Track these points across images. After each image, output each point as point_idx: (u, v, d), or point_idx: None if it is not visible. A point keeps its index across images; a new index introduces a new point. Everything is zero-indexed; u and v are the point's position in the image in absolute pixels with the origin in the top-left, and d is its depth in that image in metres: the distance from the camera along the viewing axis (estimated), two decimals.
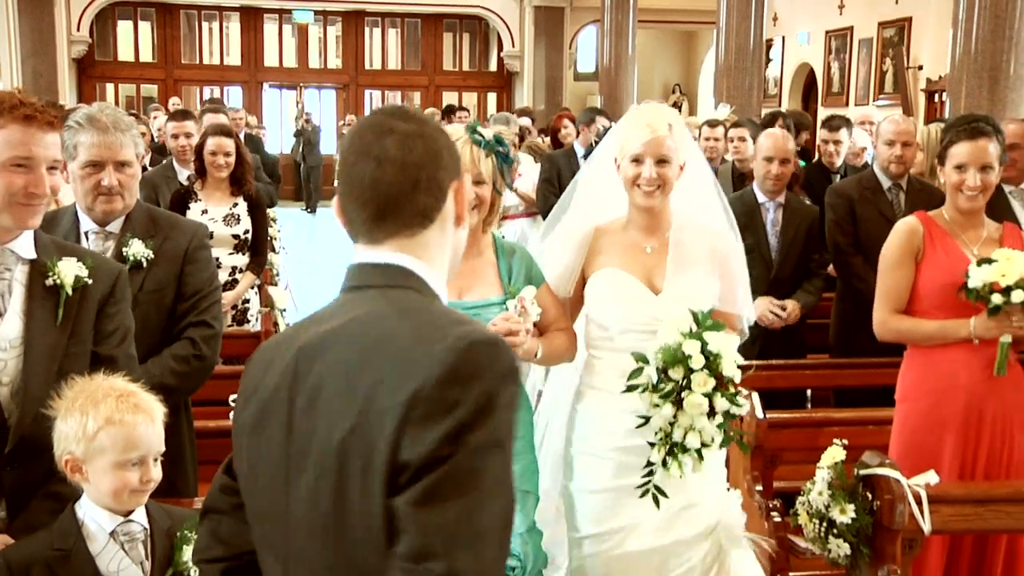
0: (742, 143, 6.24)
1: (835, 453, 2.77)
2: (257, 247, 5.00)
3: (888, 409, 3.37)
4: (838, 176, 5.77)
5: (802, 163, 6.06)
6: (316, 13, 18.67)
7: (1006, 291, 2.92)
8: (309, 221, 16.94)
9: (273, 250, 6.14)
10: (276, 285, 5.85)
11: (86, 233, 2.85)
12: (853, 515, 2.66)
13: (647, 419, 2.52)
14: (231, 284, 4.86)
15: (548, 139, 9.11)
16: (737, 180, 5.96)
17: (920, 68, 13.04)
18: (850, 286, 4.44)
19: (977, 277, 2.96)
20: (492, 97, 19.55)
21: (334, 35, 19.50)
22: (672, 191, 2.82)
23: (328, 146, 17.98)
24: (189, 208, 4.82)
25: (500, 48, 18.87)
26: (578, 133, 7.38)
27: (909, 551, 2.72)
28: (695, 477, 2.57)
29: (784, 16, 16.11)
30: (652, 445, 2.53)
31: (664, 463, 2.51)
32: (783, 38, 16.39)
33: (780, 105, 15.08)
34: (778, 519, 3.06)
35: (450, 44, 19.73)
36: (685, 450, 2.48)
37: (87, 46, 17.13)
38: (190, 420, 2.97)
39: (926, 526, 2.68)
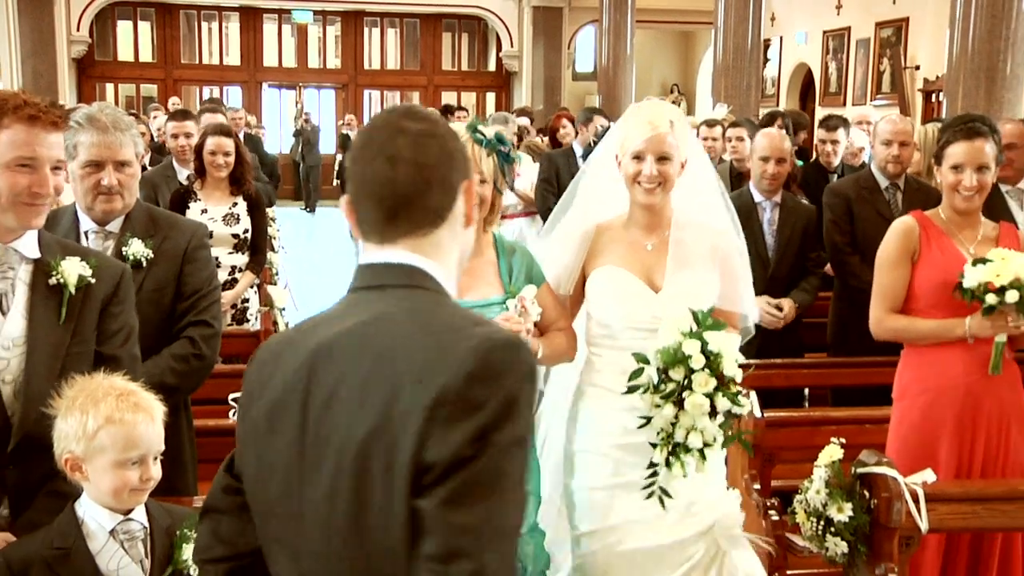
0: (740, 143, 6.24)
1: (832, 452, 2.78)
2: (256, 246, 5.00)
3: (885, 408, 3.37)
4: (835, 176, 5.77)
5: (800, 163, 6.07)
6: (315, 13, 18.68)
7: (1000, 291, 2.92)
8: (308, 220, 16.95)
9: (272, 249, 6.14)
10: (275, 284, 5.85)
11: (85, 233, 2.86)
12: (850, 513, 2.67)
13: (649, 419, 2.52)
14: (230, 283, 4.87)
15: (547, 139, 9.12)
16: (735, 180, 5.96)
17: (917, 68, 13.06)
18: (847, 285, 4.45)
19: (972, 277, 2.97)
20: (491, 97, 19.56)
21: (333, 35, 19.51)
22: (673, 188, 2.81)
23: (327, 146, 17.99)
24: (189, 208, 4.83)
25: (499, 48, 18.88)
26: (577, 133, 7.39)
27: (906, 549, 2.73)
28: (695, 477, 2.58)
29: (782, 16, 16.12)
30: (654, 446, 2.52)
31: (667, 463, 2.50)
32: (781, 38, 16.40)
33: (778, 105, 15.10)
34: (776, 517, 3.06)
35: (449, 44, 19.73)
36: (687, 450, 2.48)
37: (87, 46, 17.13)
38: (190, 419, 2.97)
39: (923, 524, 2.69)
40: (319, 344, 1.40)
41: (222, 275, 4.71)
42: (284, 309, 5.16)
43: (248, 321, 5.02)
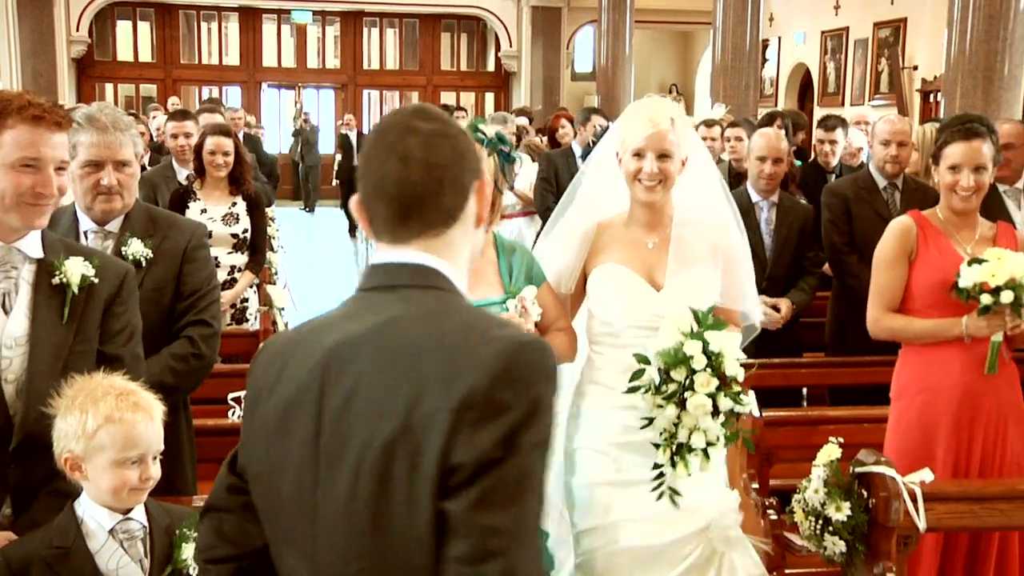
0: (739, 143, 6.25)
1: (831, 451, 2.78)
2: (256, 246, 5.01)
3: (883, 407, 3.38)
4: (833, 176, 5.78)
5: (798, 163, 6.08)
6: (314, 13, 18.67)
7: (995, 291, 2.93)
8: (307, 220, 16.96)
9: (272, 249, 6.15)
10: (275, 284, 5.86)
11: (85, 232, 2.86)
12: (849, 513, 2.68)
13: (651, 420, 2.51)
14: (230, 283, 4.87)
15: (545, 139, 9.13)
16: (733, 180, 5.96)
17: (915, 68, 13.07)
18: (845, 285, 4.45)
19: (968, 277, 2.98)
20: (490, 97, 19.56)
21: (332, 35, 19.50)
22: (674, 186, 2.80)
23: (326, 146, 17.99)
24: (188, 207, 4.83)
25: (498, 48, 18.88)
26: (575, 133, 7.39)
27: (904, 548, 2.73)
28: (694, 476, 2.58)
29: (780, 16, 16.13)
30: (657, 447, 2.52)
31: (672, 463, 2.49)
32: (779, 38, 16.41)
33: (776, 105, 15.12)
34: (774, 517, 3.06)
35: (448, 44, 19.73)
36: (691, 450, 2.47)
37: (86, 46, 17.12)
38: (189, 418, 2.98)
39: (921, 523, 2.69)
40: (335, 344, 1.40)
41: (221, 275, 4.71)
42: (283, 309, 5.16)
43: (247, 321, 5.03)
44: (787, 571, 3.08)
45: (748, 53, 10.90)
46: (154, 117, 10.01)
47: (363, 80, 19.31)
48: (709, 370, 2.44)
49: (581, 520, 2.82)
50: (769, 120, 6.89)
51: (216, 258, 3.75)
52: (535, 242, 3.60)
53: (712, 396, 2.44)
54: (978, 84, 6.78)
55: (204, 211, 4.86)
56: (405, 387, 1.31)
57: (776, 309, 4.37)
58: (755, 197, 4.58)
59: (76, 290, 2.26)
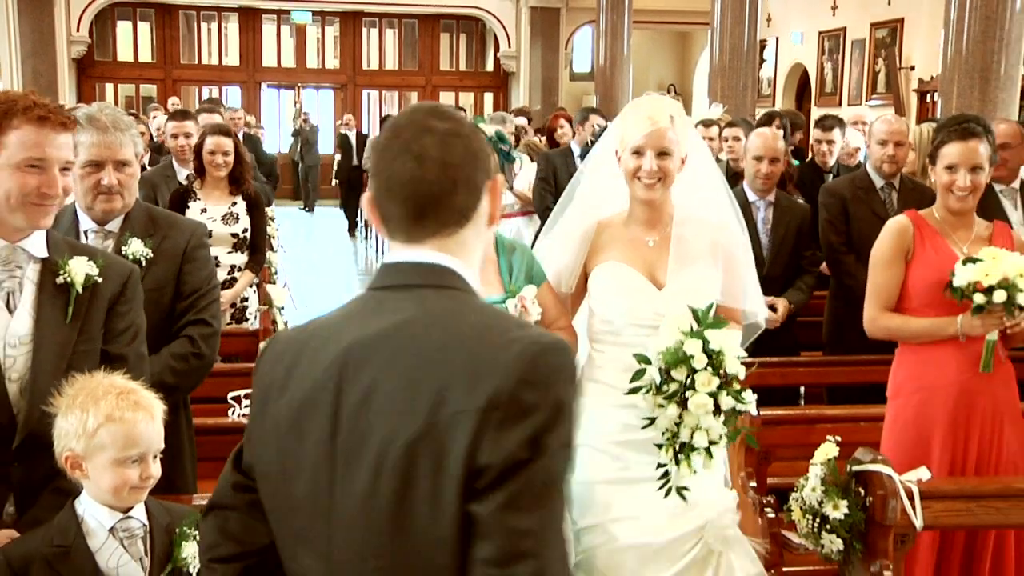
0: (736, 142, 6.26)
1: (828, 450, 2.79)
2: (256, 246, 5.02)
3: (880, 406, 3.39)
4: (831, 175, 5.79)
5: (795, 162, 6.09)
6: (314, 14, 18.67)
7: (988, 290, 2.93)
8: (307, 220, 16.97)
9: (271, 248, 6.16)
10: (274, 283, 5.86)
11: (85, 232, 2.87)
12: (846, 511, 2.69)
13: (653, 420, 2.50)
14: (230, 283, 4.88)
15: (544, 139, 9.14)
16: (731, 179, 5.97)
17: (912, 68, 13.08)
18: (843, 284, 4.46)
19: (962, 276, 2.98)
20: (489, 97, 19.56)
21: (332, 35, 19.50)
22: (673, 184, 2.79)
23: (326, 146, 17.99)
24: (188, 207, 4.84)
25: (496, 48, 18.88)
26: (574, 133, 7.40)
27: (901, 546, 2.75)
28: (694, 475, 2.58)
29: (778, 17, 16.14)
30: (659, 447, 2.51)
31: (676, 461, 2.49)
32: (777, 39, 16.42)
33: (774, 105, 15.13)
34: (772, 515, 3.07)
35: (447, 44, 19.73)
36: (694, 449, 2.46)
37: (87, 46, 17.11)
38: (189, 418, 2.98)
39: (918, 522, 2.70)
40: (352, 342, 1.39)
41: (221, 274, 4.72)
42: (283, 308, 5.17)
43: (247, 320, 5.04)
44: (784, 569, 3.09)
45: (746, 53, 10.91)
46: (154, 117, 10.02)
47: (362, 80, 19.31)
48: (710, 369, 2.43)
49: (581, 517, 2.82)
50: (768, 120, 6.91)
51: (216, 258, 3.76)
52: (534, 242, 3.60)
53: (713, 395, 2.43)
54: (975, 84, 6.79)
55: (204, 211, 4.87)
56: (427, 387, 1.31)
57: (773, 308, 4.38)
58: (752, 196, 4.59)
59: (80, 289, 2.26)
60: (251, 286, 5.06)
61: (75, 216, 2.88)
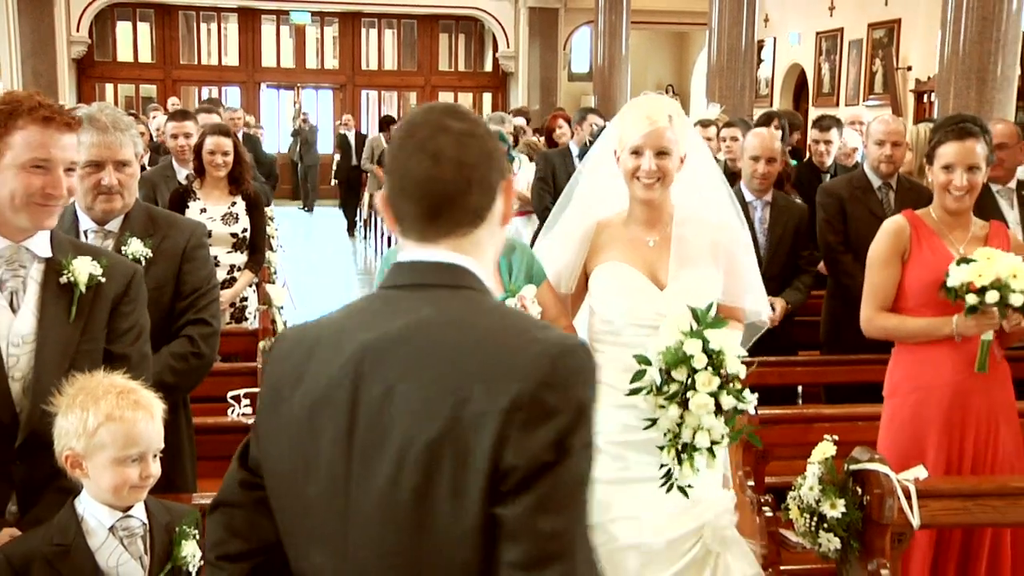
0: (734, 143, 6.26)
1: (825, 449, 2.80)
2: (255, 245, 5.03)
3: (878, 405, 3.39)
4: (828, 175, 5.80)
5: (793, 162, 6.10)
6: (313, 14, 18.67)
7: (981, 291, 2.94)
8: (306, 220, 16.98)
9: (271, 248, 6.16)
10: (274, 283, 5.86)
11: (85, 232, 2.87)
12: (843, 510, 2.69)
13: (654, 421, 2.49)
14: (229, 282, 4.89)
15: (543, 139, 9.14)
16: (729, 179, 5.98)
17: (909, 69, 13.10)
18: (840, 284, 4.47)
19: (956, 276, 2.99)
20: (487, 97, 19.57)
21: (331, 36, 19.50)
22: (673, 183, 2.79)
23: (325, 146, 18.00)
24: (188, 207, 4.85)
25: (495, 49, 18.88)
26: (572, 133, 7.41)
27: (898, 545, 2.75)
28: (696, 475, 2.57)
29: (775, 17, 16.15)
30: (661, 448, 2.50)
31: (679, 461, 2.48)
32: (774, 39, 16.43)
33: (771, 105, 15.11)
34: (769, 514, 3.08)
35: (446, 45, 19.73)
36: (696, 449, 2.45)
37: (86, 47, 17.12)
38: (188, 417, 2.98)
39: (915, 520, 2.71)
40: (368, 341, 1.38)
41: (221, 274, 4.73)
42: (282, 307, 5.17)
43: (246, 319, 5.05)
44: (782, 568, 3.09)
45: (743, 54, 10.92)
46: (154, 117, 10.03)
47: (361, 80, 19.32)
48: (710, 368, 2.42)
49: None
50: (766, 120, 6.92)
51: (215, 257, 3.77)
52: (533, 241, 3.61)
53: (714, 394, 2.42)
54: (971, 85, 6.80)
55: (204, 211, 4.88)
56: (448, 387, 1.30)
57: (771, 308, 4.38)
58: (749, 196, 4.60)
59: (83, 289, 2.27)
60: (250, 286, 5.06)
61: (75, 216, 2.89)
